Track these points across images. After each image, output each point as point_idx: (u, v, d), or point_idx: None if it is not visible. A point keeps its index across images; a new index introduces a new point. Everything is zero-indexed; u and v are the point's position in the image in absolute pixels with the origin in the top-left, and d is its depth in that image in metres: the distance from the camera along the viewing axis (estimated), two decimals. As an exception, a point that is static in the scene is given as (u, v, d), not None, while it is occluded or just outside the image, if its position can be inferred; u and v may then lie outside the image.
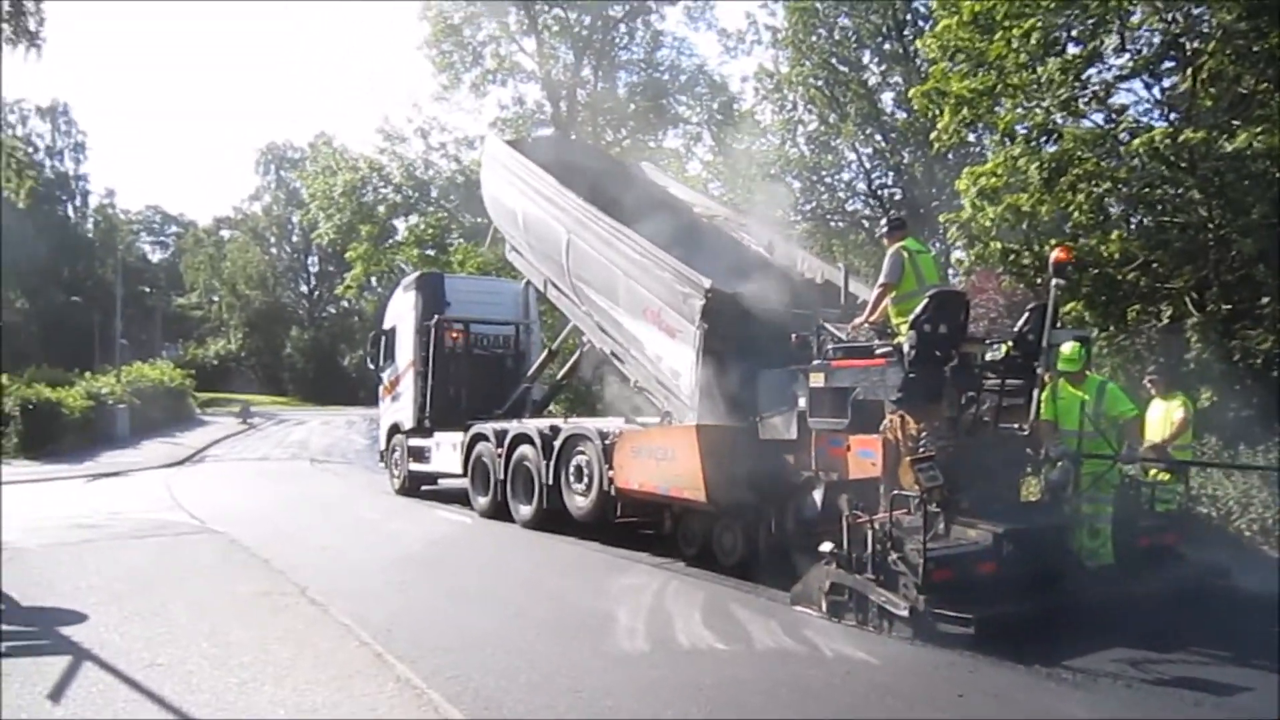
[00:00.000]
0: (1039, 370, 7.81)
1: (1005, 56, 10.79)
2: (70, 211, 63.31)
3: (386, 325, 17.45)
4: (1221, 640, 6.59)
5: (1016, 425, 8.12)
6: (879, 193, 26.99)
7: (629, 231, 10.50)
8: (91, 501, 15.42)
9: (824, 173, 26.99)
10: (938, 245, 20.27)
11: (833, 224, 27.10)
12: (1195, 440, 9.59)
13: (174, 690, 5.47)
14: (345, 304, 60.24)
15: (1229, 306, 10.56)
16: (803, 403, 8.30)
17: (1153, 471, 8.51)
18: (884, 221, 9.20)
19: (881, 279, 8.36)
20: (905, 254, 8.30)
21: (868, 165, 26.85)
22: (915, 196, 24.60)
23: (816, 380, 8.15)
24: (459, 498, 14.58)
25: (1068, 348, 7.99)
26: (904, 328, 7.63)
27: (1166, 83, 12.35)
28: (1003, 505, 7.78)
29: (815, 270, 11.38)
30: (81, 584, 8.49)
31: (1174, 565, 7.95)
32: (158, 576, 9.04)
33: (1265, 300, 10.28)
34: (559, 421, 12.43)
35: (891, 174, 26.72)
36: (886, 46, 25.38)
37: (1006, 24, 10.60)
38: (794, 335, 8.69)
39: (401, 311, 16.66)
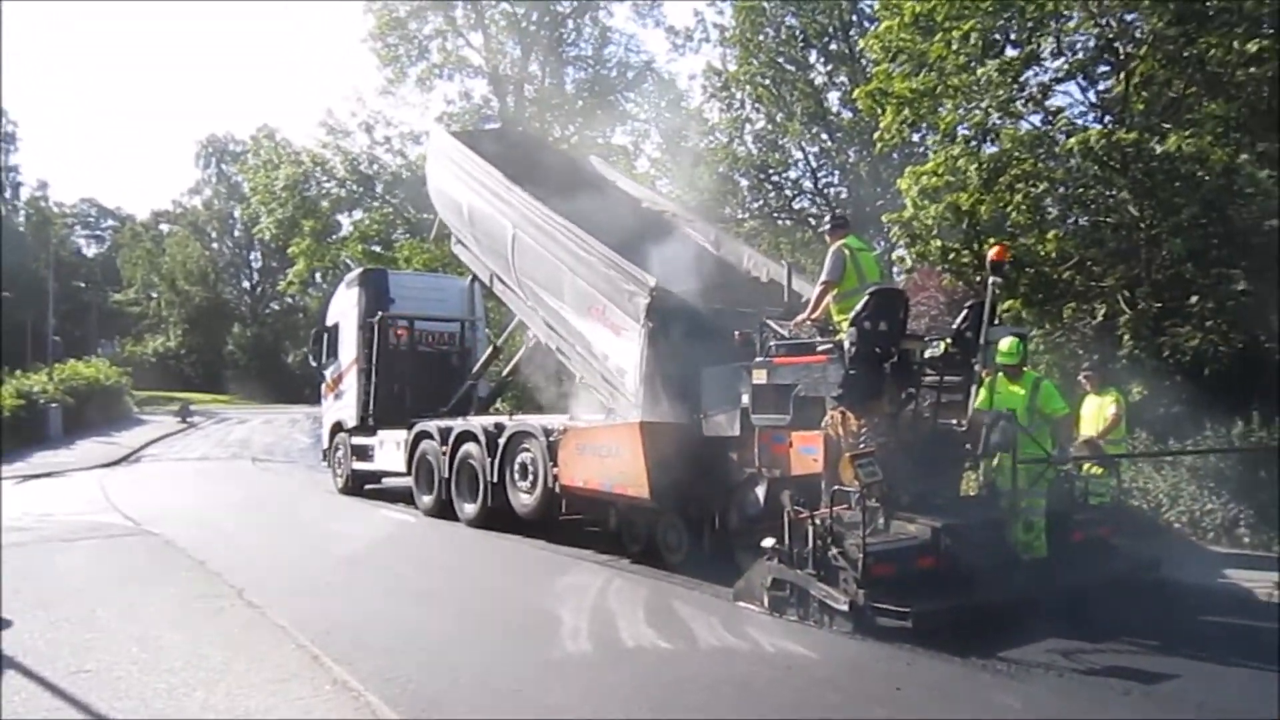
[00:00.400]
0: (977, 367, 7.94)
1: (945, 58, 10.96)
2: (0, 205, 61.25)
3: (329, 322, 17.20)
4: (1150, 630, 6.77)
5: (955, 421, 8.26)
6: (825, 191, 27.24)
7: (575, 228, 10.45)
8: (21, 504, 14.91)
9: (771, 171, 27.11)
10: (882, 244, 20.51)
11: (780, 222, 27.28)
12: (1128, 434, 9.84)
13: (101, 697, 5.31)
14: (289, 300, 59.12)
15: (1159, 305, 10.84)
16: (746, 399, 8.33)
17: (1086, 466, 8.71)
18: (826, 220, 9.29)
19: (823, 277, 8.42)
20: (847, 252, 8.37)
21: (814, 164, 27.06)
22: (861, 195, 24.86)
23: (759, 377, 8.19)
24: (403, 496, 14.43)
25: (1005, 343, 8.14)
26: (845, 325, 7.71)
27: (1102, 86, 12.68)
28: (942, 500, 7.89)
29: (760, 267, 11.44)
30: (8, 589, 8.16)
31: (1107, 558, 8.14)
32: (89, 580, 8.81)
33: (1194, 299, 10.55)
34: (504, 419, 12.36)
35: (837, 173, 26.97)
36: (833, 47, 25.60)
37: (946, 25, 10.76)
38: (737, 333, 8.72)
39: (344, 308, 16.42)
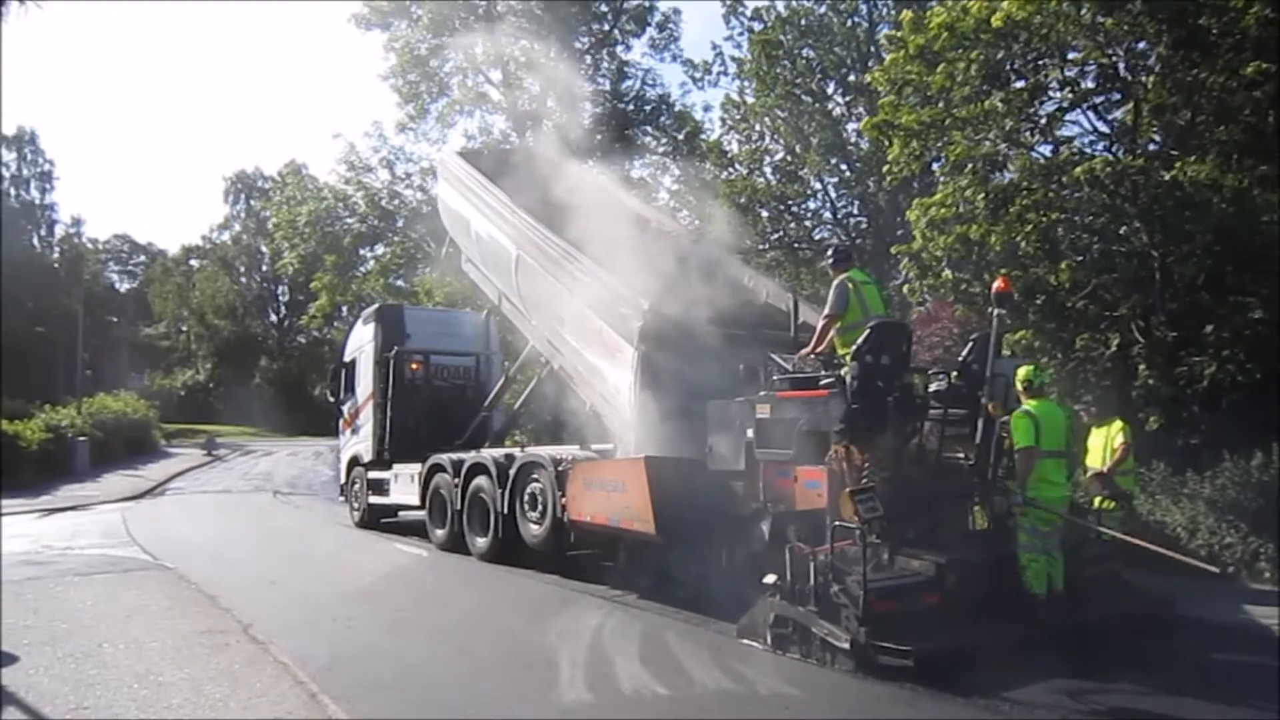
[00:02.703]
0: (983, 400, 7.87)
1: (950, 89, 10.97)
2: (36, 241, 62.55)
3: (347, 358, 17.35)
4: (1161, 669, 6.63)
5: (962, 455, 8.18)
6: (845, 222, 27.25)
7: (572, 249, 10.53)
8: (44, 537, 15.09)
9: (790, 202, 27.21)
10: (901, 275, 20.41)
11: (800, 252, 27.30)
12: (1139, 466, 9.68)
13: (96, 736, 5.33)
14: (315, 334, 59.69)
15: (1175, 334, 10.70)
16: (750, 434, 8.30)
17: (1097, 499, 8.57)
18: (829, 253, 9.27)
19: (827, 310, 8.41)
20: (850, 285, 8.36)
21: (833, 195, 27.10)
22: (880, 226, 24.85)
23: (763, 411, 8.17)
24: (418, 530, 14.44)
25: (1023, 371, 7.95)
26: (849, 359, 7.67)
27: (1113, 114, 12.62)
28: (949, 536, 7.79)
29: (763, 292, 11.39)
30: (19, 624, 8.27)
31: (1119, 594, 7.99)
32: (99, 615, 8.85)
33: (1209, 328, 10.41)
34: (514, 450, 12.37)
35: (857, 203, 26.99)
36: (851, 78, 25.71)
37: (949, 57, 10.78)
38: (742, 366, 8.71)
39: (361, 344, 16.57)
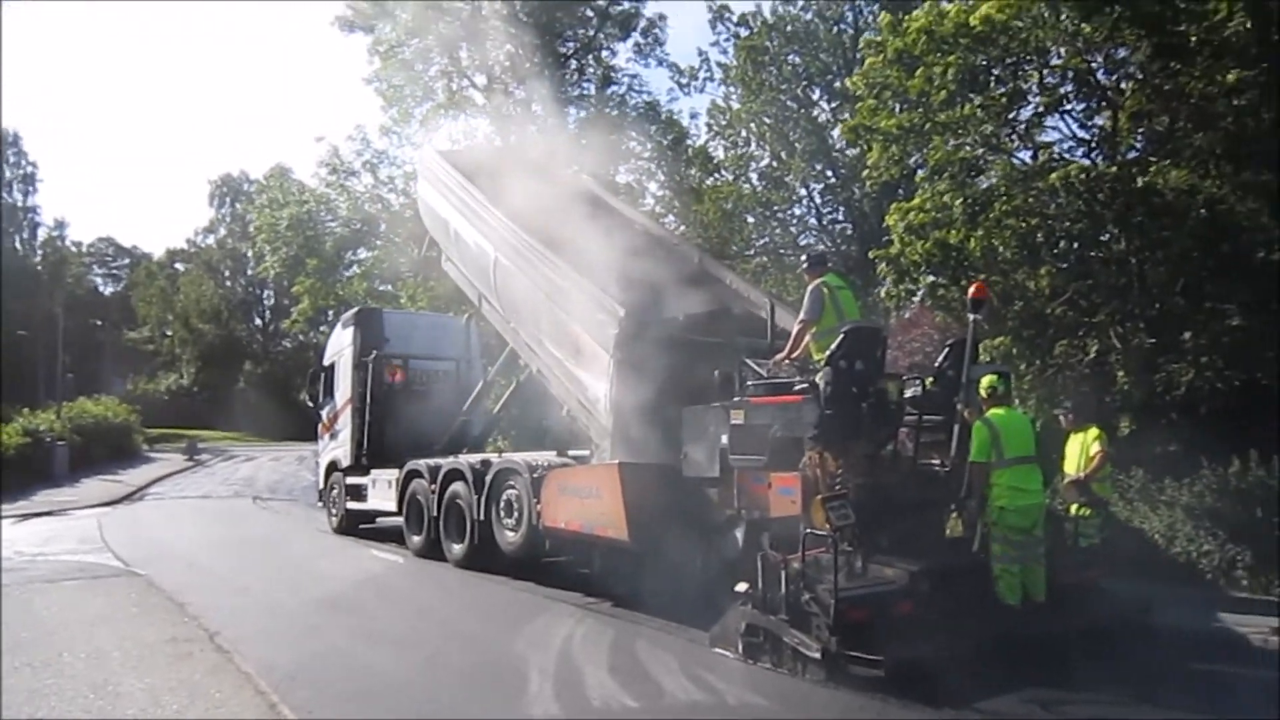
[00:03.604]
0: (959, 406, 7.81)
1: (929, 93, 10.93)
2: (19, 244, 62.06)
3: (326, 361, 17.21)
4: (1136, 678, 6.57)
5: (938, 462, 8.12)
6: (830, 228, 27.26)
7: (549, 252, 10.43)
8: (17, 543, 14.87)
9: (776, 208, 27.18)
10: (887, 282, 20.39)
11: (786, 258, 27.26)
12: (1117, 472, 9.65)
13: (43, 748, 5.20)
14: (300, 338, 59.35)
15: (1153, 340, 10.66)
16: (725, 440, 8.21)
17: (1074, 507, 8.51)
18: (804, 258, 9.21)
19: (801, 315, 8.33)
20: (825, 290, 8.30)
21: (818, 201, 27.10)
22: (865, 232, 24.83)
23: (737, 417, 8.07)
24: (396, 536, 14.30)
25: (985, 380, 7.91)
26: (823, 364, 7.59)
27: (1096, 121, 12.61)
28: (923, 543, 7.71)
29: (743, 297, 11.29)
30: (-20, 632, 8.14)
31: (1095, 602, 7.92)
32: (62, 623, 8.71)
33: (1187, 335, 10.38)
34: (491, 456, 12.25)
35: (842, 209, 26.99)
36: (836, 84, 25.72)
37: (928, 60, 10.74)
38: (717, 371, 8.62)
39: (340, 347, 16.42)
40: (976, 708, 5.87)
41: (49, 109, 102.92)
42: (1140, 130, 11.56)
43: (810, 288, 8.40)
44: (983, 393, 7.70)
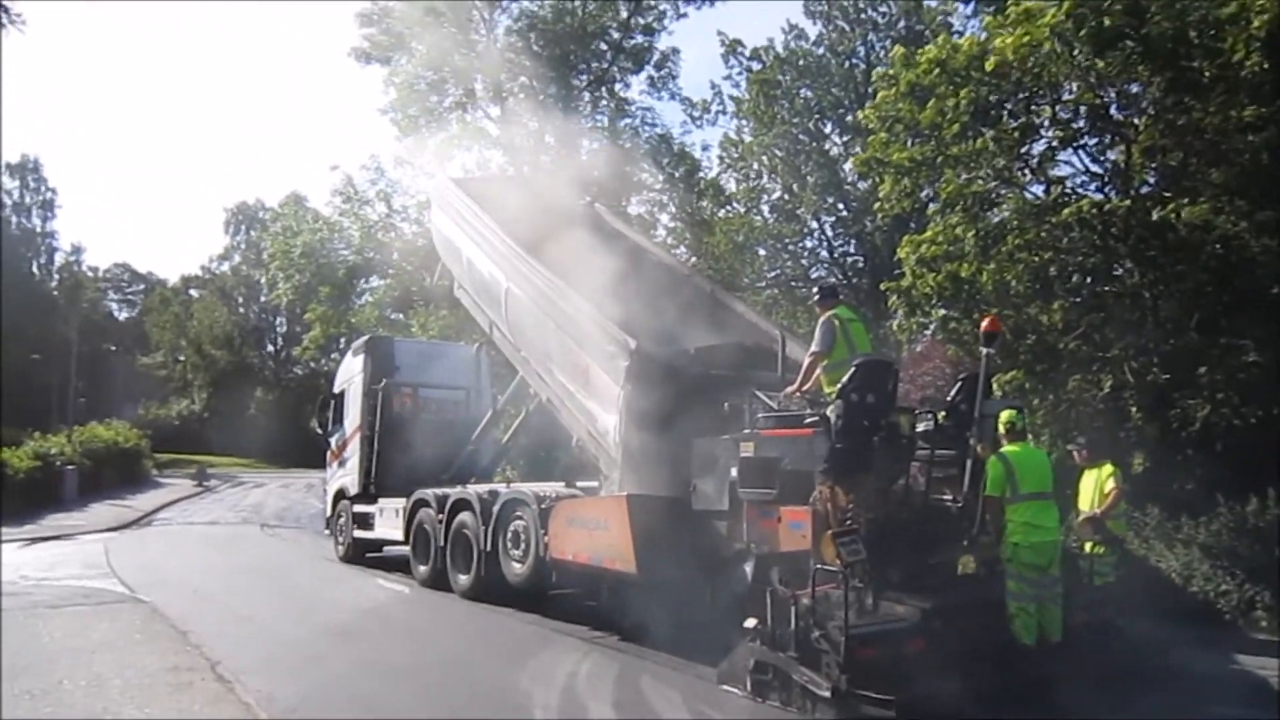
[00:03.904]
0: (972, 441, 7.72)
1: (941, 126, 10.94)
2: (35, 269, 62.68)
3: (336, 389, 17.20)
4: (1152, 721, 6.40)
5: (950, 497, 8.01)
6: (841, 260, 27.27)
7: (560, 283, 10.41)
8: (23, 567, 14.84)
9: (787, 240, 27.23)
10: (899, 315, 20.35)
11: (797, 290, 27.27)
12: (1132, 509, 9.51)
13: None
14: (311, 365, 59.48)
15: (1167, 376, 10.56)
16: (734, 472, 8.12)
17: (1090, 545, 8.38)
18: (815, 290, 9.16)
19: (813, 348, 8.28)
20: (837, 322, 8.25)
21: (829, 234, 27.15)
22: (876, 265, 24.83)
23: (747, 450, 7.99)
24: (403, 566, 14.20)
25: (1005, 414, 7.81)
26: (834, 397, 7.52)
27: (1109, 156, 12.58)
28: (936, 580, 7.58)
29: (755, 330, 11.25)
30: (-19, 658, 8.07)
31: (1113, 642, 7.77)
32: (65, 650, 8.62)
33: (1203, 370, 10.27)
34: (499, 486, 12.17)
35: (853, 242, 27.02)
36: (848, 118, 25.83)
37: (940, 92, 10.76)
38: (726, 404, 8.56)
39: (350, 375, 16.43)
40: (989, 750, 5.73)
41: (69, 135, 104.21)
42: (1153, 165, 11.53)
43: (821, 320, 8.34)
44: (1001, 428, 7.61)
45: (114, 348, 68.98)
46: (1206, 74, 9.83)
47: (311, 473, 43.20)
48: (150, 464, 39.46)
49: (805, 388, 8.25)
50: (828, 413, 7.35)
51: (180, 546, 19.06)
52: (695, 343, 9.89)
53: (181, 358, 68.80)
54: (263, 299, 66.13)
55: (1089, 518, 8.53)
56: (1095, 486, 8.64)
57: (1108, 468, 8.70)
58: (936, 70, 10.75)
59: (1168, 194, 10.13)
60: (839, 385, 7.33)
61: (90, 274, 71.62)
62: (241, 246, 69.97)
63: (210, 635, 9.19)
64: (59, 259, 65.81)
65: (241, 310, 69.84)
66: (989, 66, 10.48)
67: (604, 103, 30.75)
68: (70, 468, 28.01)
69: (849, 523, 6.93)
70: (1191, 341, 10.13)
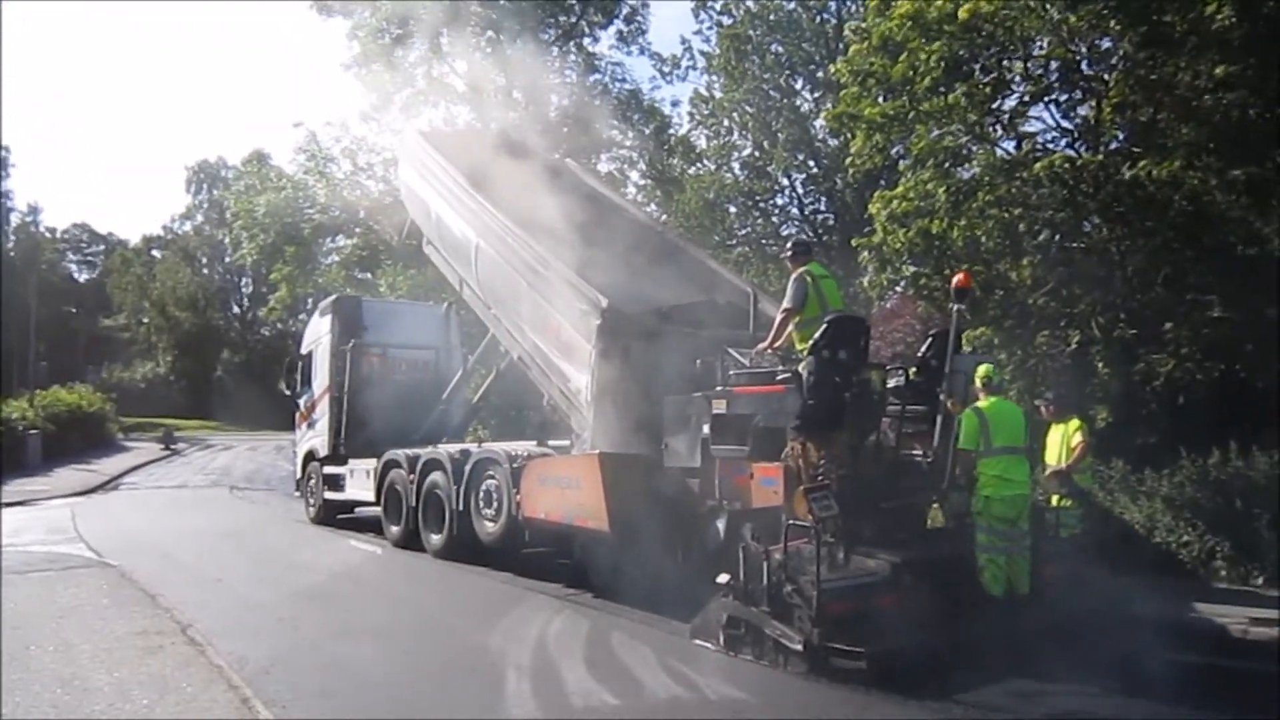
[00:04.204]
0: (942, 396, 7.77)
1: (912, 81, 10.87)
2: (-10, 230, 61.12)
3: (304, 350, 17.00)
4: (1115, 670, 6.52)
5: (920, 452, 8.08)
6: (812, 218, 27.22)
7: (531, 239, 10.30)
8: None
9: (758, 198, 27.13)
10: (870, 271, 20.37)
11: (768, 248, 27.22)
12: (1097, 463, 9.65)
13: (8, 745, 5.07)
14: (278, 326, 58.77)
15: (1134, 331, 10.66)
16: (706, 429, 8.13)
17: (1055, 498, 8.50)
18: (788, 246, 9.13)
19: (784, 304, 8.27)
20: (809, 279, 8.23)
21: (800, 191, 27.05)
22: (847, 222, 24.81)
23: (719, 407, 8.01)
24: (374, 526, 14.16)
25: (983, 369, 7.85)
26: (806, 353, 7.52)
27: (1079, 111, 12.58)
28: (906, 534, 7.68)
29: (727, 287, 11.21)
30: (-55, 625, 7.95)
31: (1078, 592, 7.90)
32: (31, 616, 8.52)
33: (1169, 325, 10.37)
34: (470, 445, 12.13)
35: (824, 199, 26.96)
36: (819, 74, 25.64)
37: (912, 46, 10.68)
38: (699, 360, 8.54)
39: (318, 336, 16.23)
40: (959, 700, 5.83)
41: (22, 92, 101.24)
42: (1124, 121, 11.54)
43: (793, 277, 8.33)
44: (978, 381, 7.68)
45: (75, 310, 67.75)
46: (1178, 29, 9.80)
47: (280, 435, 42.77)
48: (116, 428, 38.94)
49: (777, 344, 8.24)
50: (800, 369, 7.36)
51: (148, 510, 18.85)
52: (667, 300, 9.83)
53: (145, 320, 67.64)
54: (227, 259, 65.05)
55: (1056, 471, 8.65)
56: (1062, 441, 8.76)
57: (1074, 422, 8.82)
58: (909, 24, 10.64)
59: (1137, 150, 10.14)
60: (811, 342, 7.33)
61: (48, 235, 69.99)
62: (204, 206, 68.75)
63: (180, 599, 9.12)
64: (14, 219, 64.11)
65: (205, 271, 68.78)
66: (962, 15, 10.38)
67: (572, 57, 30.27)
68: (33, 432, 27.58)
69: (821, 478, 6.97)
70: (1158, 297, 10.22)
